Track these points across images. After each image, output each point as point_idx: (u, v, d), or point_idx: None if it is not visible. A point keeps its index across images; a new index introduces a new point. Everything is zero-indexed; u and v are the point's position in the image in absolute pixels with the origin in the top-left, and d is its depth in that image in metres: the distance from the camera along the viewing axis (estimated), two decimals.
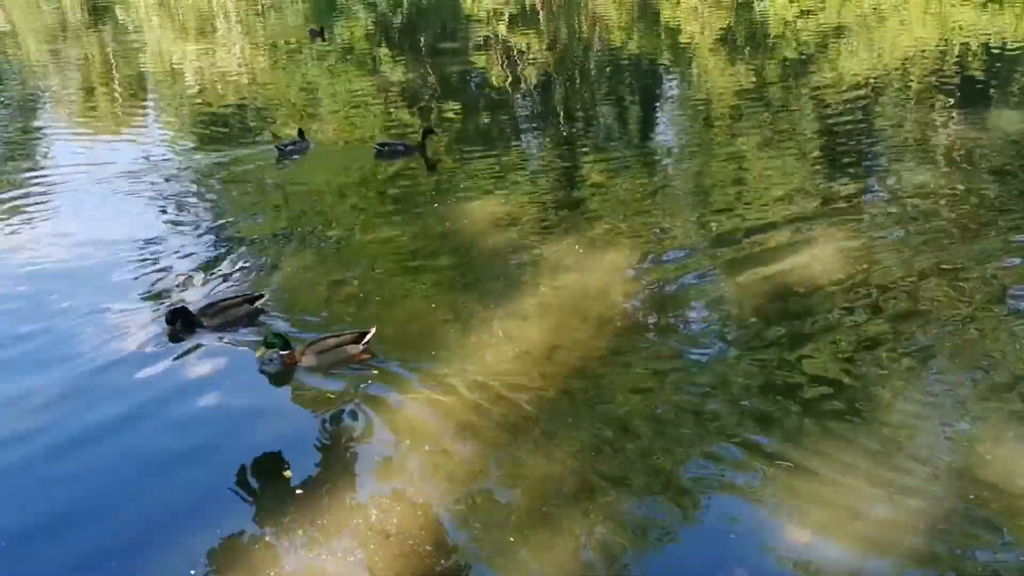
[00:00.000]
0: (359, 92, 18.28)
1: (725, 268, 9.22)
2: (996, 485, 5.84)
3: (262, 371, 7.60)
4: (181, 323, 8.19)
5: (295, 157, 13.55)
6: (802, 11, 25.38)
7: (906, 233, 9.78)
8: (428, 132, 13.44)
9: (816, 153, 12.86)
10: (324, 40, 23.21)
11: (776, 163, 12.39)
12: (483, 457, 6.38)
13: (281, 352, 7.55)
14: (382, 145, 13.53)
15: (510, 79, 19.15)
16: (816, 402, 6.85)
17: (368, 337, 7.70)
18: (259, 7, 31.25)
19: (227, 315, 8.32)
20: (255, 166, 13.37)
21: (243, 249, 10.16)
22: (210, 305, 8.42)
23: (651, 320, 8.32)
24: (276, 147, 13.77)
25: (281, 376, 7.59)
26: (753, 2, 27.80)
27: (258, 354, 7.61)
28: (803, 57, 19.70)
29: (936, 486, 5.86)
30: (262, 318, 8.45)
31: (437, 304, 8.69)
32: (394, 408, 6.99)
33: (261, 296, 8.57)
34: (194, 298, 8.86)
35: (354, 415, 6.95)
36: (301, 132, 13.83)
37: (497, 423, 6.73)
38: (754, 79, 17.84)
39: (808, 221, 10.21)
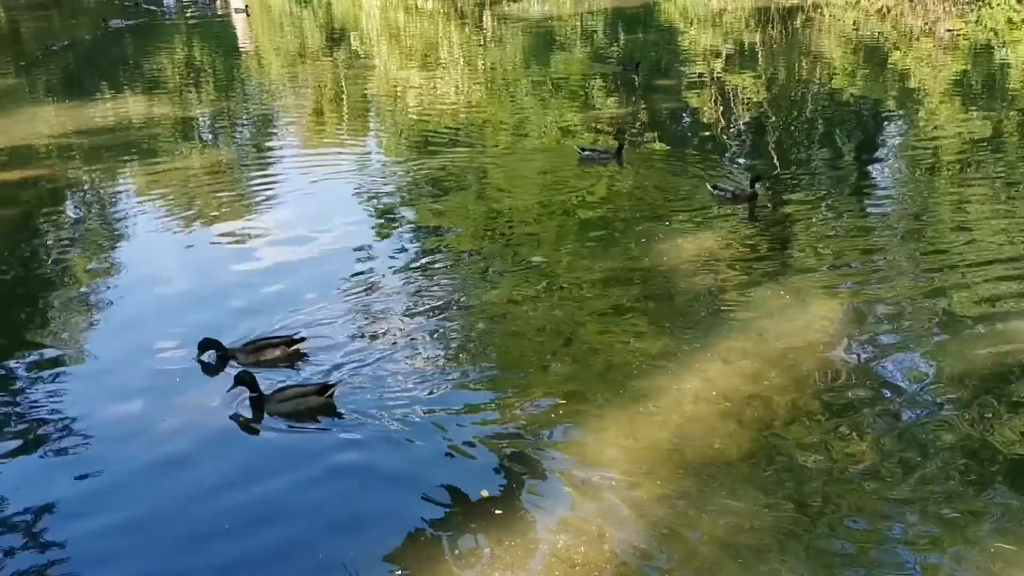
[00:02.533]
0: (568, 122, 18.52)
1: (942, 328, 8.65)
2: None
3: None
4: (213, 354, 8.30)
5: (598, 163, 14.67)
6: None
7: None
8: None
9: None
10: (637, 75, 23.20)
11: (1007, 219, 11.50)
12: (673, 497, 6.26)
13: (251, 395, 7.57)
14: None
15: (723, 117, 18.83)
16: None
17: (333, 389, 7.63)
18: (482, 39, 32.37)
19: (262, 355, 8.35)
20: (462, 183, 13.90)
21: (445, 263, 10.52)
22: (250, 343, 8.48)
23: (856, 377, 7.91)
24: (578, 148, 15.18)
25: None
26: (993, 48, 26.07)
27: (228, 390, 7.65)
28: None
29: None
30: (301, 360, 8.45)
31: (633, 339, 8.63)
32: (586, 441, 6.97)
33: (302, 339, 8.49)
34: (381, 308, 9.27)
35: (546, 442, 6.99)
36: (620, 148, 14.86)
37: (689, 464, 6.59)
38: (989, 129, 16.69)
39: None
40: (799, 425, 7.09)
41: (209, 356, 8.36)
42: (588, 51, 29.00)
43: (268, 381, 7.90)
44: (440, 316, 9.29)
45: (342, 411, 7.55)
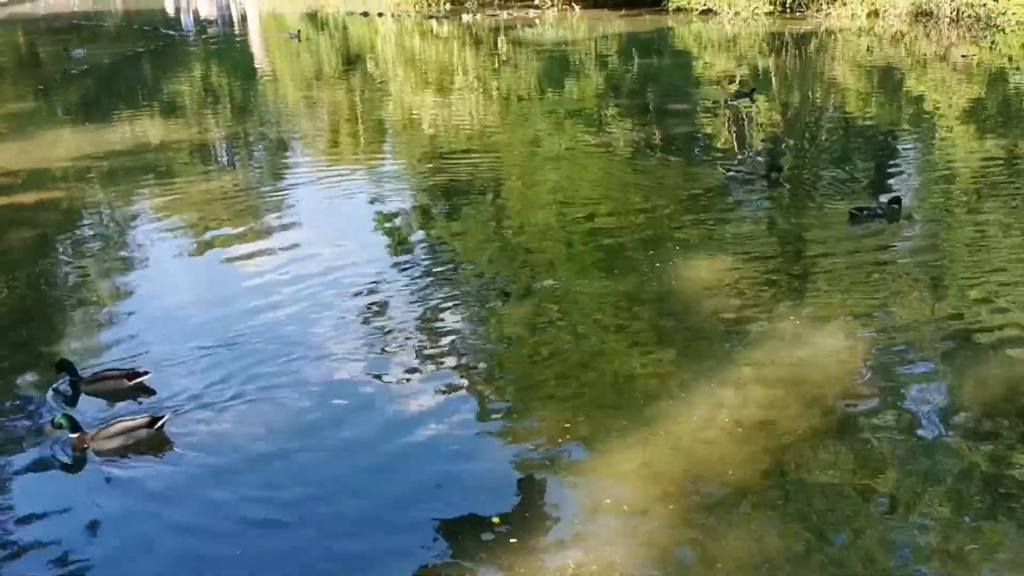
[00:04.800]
0: (581, 147, 18.58)
1: (958, 355, 8.61)
2: None
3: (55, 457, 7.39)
4: (65, 377, 8.20)
5: (743, 183, 14.83)
6: None
7: None
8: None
9: None
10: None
11: (1017, 252, 11.44)
12: (685, 524, 6.24)
13: (71, 435, 7.37)
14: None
15: (737, 142, 18.86)
16: None
17: (162, 422, 7.44)
18: (497, 63, 32.58)
19: (101, 386, 8.21)
20: (477, 206, 14.00)
21: (459, 285, 10.55)
22: (96, 373, 8.37)
23: (870, 404, 7.87)
24: (724, 170, 15.46)
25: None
26: (1008, 73, 26.06)
27: (48, 431, 7.51)
28: None
29: None
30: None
31: (646, 363, 8.63)
32: (597, 465, 6.95)
33: (145, 373, 8.29)
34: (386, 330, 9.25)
35: (558, 467, 6.98)
36: (778, 168, 14.88)
37: (701, 490, 6.57)
38: (1003, 154, 16.64)
39: None
40: (812, 452, 7.05)
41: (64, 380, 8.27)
42: (603, 76, 29.13)
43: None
44: (454, 339, 9.30)
45: (175, 442, 7.40)
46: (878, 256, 11.31)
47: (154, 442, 7.38)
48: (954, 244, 11.81)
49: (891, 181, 15.31)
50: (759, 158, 16.17)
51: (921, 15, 36.74)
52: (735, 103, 22.17)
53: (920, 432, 7.37)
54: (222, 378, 8.44)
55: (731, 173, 15.23)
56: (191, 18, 54.75)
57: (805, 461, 6.95)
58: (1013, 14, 34.16)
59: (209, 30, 47.92)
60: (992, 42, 31.72)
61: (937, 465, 6.90)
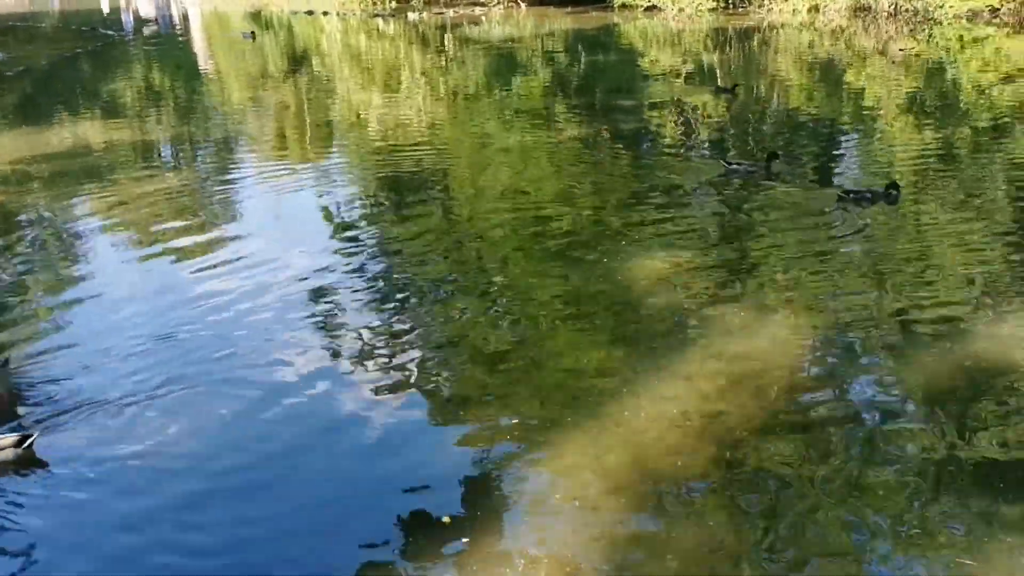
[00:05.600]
0: (529, 144, 18.61)
1: (901, 343, 8.77)
2: None
3: None
4: None
5: (741, 177, 14.91)
6: (1000, 78, 24.08)
7: None
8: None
9: (1009, 226, 12.07)
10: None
11: (963, 235, 11.70)
12: (636, 518, 6.26)
13: None
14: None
15: (684, 136, 19.03)
16: (1000, 497, 6.36)
17: (30, 441, 7.04)
18: (444, 61, 32.49)
19: None
20: (425, 203, 13.93)
21: (408, 285, 10.49)
22: None
23: (818, 393, 7.97)
24: (725, 162, 15.47)
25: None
26: (945, 66, 26.65)
27: None
28: (998, 126, 18.64)
29: None
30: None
31: (596, 359, 8.64)
32: (548, 462, 6.95)
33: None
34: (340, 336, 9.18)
35: (508, 465, 6.96)
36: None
37: (652, 484, 6.59)
38: (942, 146, 17.02)
39: (998, 298, 9.57)
40: (761, 442, 7.12)
41: None
42: (551, 73, 29.21)
43: None
44: (403, 336, 9.24)
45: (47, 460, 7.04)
46: (828, 246, 11.46)
47: (24, 459, 6.97)
48: (898, 233, 12.01)
49: (834, 174, 15.55)
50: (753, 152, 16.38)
51: (860, 10, 37.47)
52: (718, 97, 22.46)
53: (866, 419, 7.48)
54: (156, 375, 8.30)
55: (732, 166, 15.23)
56: (131, 18, 53.79)
57: (754, 451, 7.01)
58: (950, 7, 34.96)
59: (150, 30, 47.10)
60: (929, 35, 32.42)
61: (883, 451, 7.00)
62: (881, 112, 20.64)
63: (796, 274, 10.59)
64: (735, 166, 15.20)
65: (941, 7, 35.18)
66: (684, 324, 9.33)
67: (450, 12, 49.48)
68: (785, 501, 6.44)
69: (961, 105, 21.37)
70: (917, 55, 28.71)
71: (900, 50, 29.31)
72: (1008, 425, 7.22)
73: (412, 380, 8.37)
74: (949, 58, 28.26)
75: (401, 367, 8.61)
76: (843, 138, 18.75)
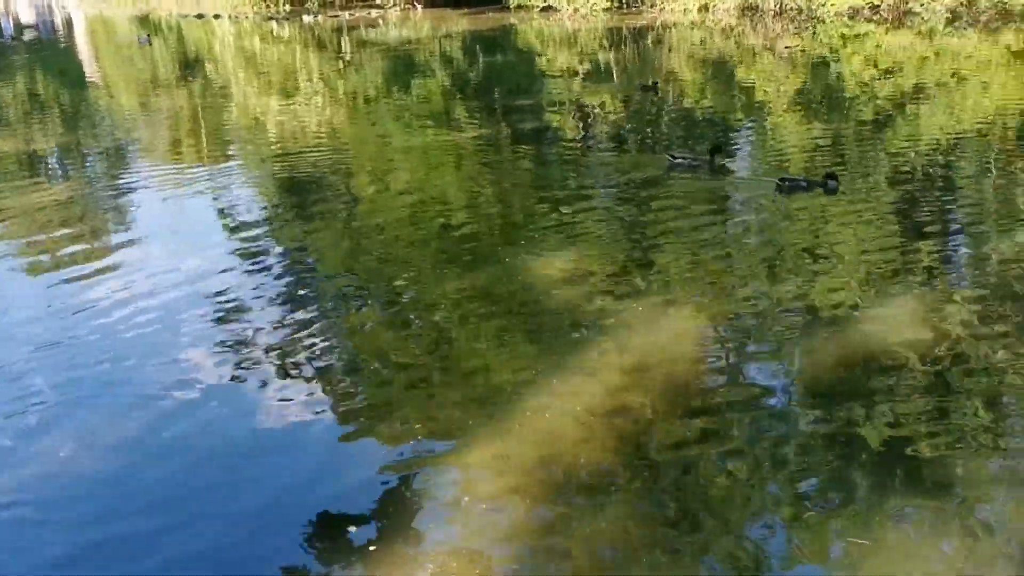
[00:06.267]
0: (431, 146, 18.60)
1: (795, 329, 9.07)
2: None
3: None
4: None
5: (685, 170, 15.09)
6: (881, 72, 25.13)
7: (988, 301, 9.49)
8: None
9: (894, 216, 12.62)
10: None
11: (852, 225, 12.18)
12: (541, 516, 6.30)
13: None
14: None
15: (582, 135, 19.29)
16: (891, 473, 6.65)
17: None
18: (341, 64, 32.16)
19: None
20: (326, 207, 13.76)
21: (308, 289, 10.36)
22: None
23: (719, 383, 8.18)
24: (668, 155, 15.64)
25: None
26: (829, 62, 27.67)
27: None
28: (881, 118, 19.46)
29: (1010, 564, 5.61)
30: None
31: (502, 359, 8.69)
32: (453, 465, 6.96)
33: None
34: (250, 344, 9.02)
35: (413, 469, 6.94)
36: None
37: (557, 481, 6.66)
38: (829, 139, 17.66)
39: (885, 286, 10.00)
40: (664, 431, 7.27)
41: None
42: (449, 74, 29.23)
43: None
44: (307, 342, 9.10)
45: None
46: (721, 243, 11.78)
47: None
48: (791, 227, 12.40)
49: (728, 168, 15.98)
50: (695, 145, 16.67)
51: (748, 9, 38.61)
52: (640, 96, 22.78)
53: (769, 404, 7.69)
54: (43, 389, 7.99)
55: (677, 160, 15.39)
56: (10, 23, 51.57)
57: (659, 442, 7.15)
58: (832, 5, 36.31)
59: (31, 36, 45.25)
60: (814, 33, 33.61)
61: (781, 432, 7.23)
62: (771, 105, 21.30)
63: (699, 266, 10.83)
64: (679, 160, 15.43)
65: (823, 5, 36.52)
66: (588, 320, 9.46)
67: (346, 15, 48.99)
68: (688, 486, 6.59)
69: (846, 98, 22.20)
70: (803, 51, 29.72)
71: (786, 47, 30.32)
72: (895, 402, 7.53)
73: (315, 387, 8.25)
74: (832, 55, 29.34)
75: (303, 374, 8.48)
76: (755, 131, 19.28)
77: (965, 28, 32.15)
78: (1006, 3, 33.32)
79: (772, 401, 7.76)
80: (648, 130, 19.79)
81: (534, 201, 14.01)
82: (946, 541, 5.89)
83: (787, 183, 13.71)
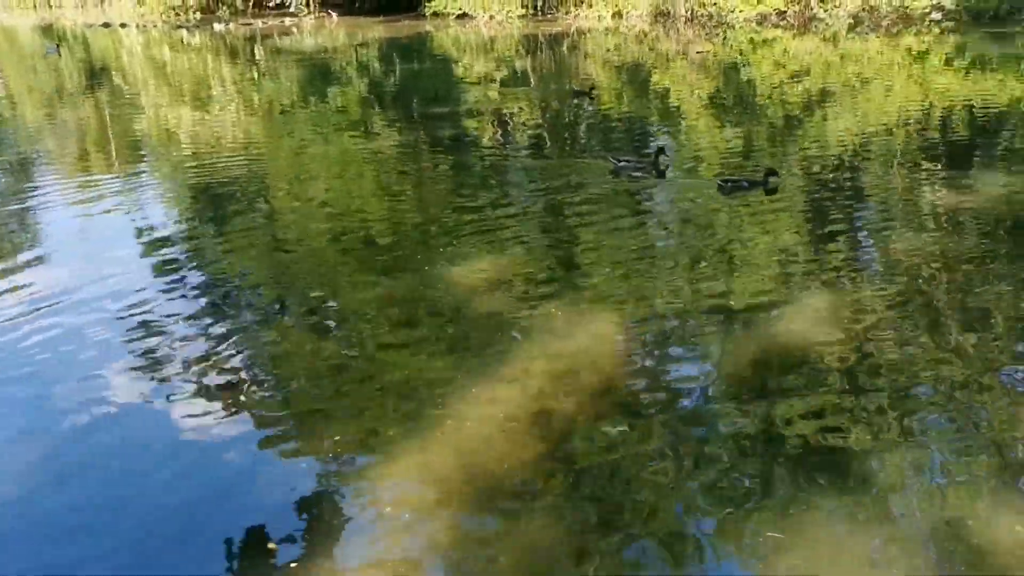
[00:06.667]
0: (349, 155, 18.43)
1: (715, 331, 9.21)
2: (981, 548, 5.81)
3: None
4: None
5: (632, 174, 15.19)
6: (789, 76, 25.81)
7: (895, 298, 9.80)
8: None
9: (804, 215, 12.95)
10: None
11: (765, 226, 12.46)
12: (466, 523, 6.27)
13: None
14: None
15: (502, 141, 19.34)
16: (808, 468, 6.80)
17: None
18: (255, 74, 31.66)
19: None
20: (242, 218, 13.49)
21: (225, 302, 10.14)
22: None
23: (639, 384, 8.25)
24: (614, 160, 15.68)
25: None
26: (739, 66, 28.30)
27: None
28: (790, 121, 19.98)
29: (923, 553, 5.79)
30: None
31: (423, 369, 8.62)
32: (375, 477, 6.88)
33: None
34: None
35: (334, 482, 6.85)
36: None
37: (480, 489, 6.63)
38: (741, 142, 18.04)
39: (799, 285, 10.25)
40: (587, 437, 7.30)
41: None
42: (366, 82, 29.02)
43: None
44: (226, 357, 8.89)
45: None
46: (639, 246, 11.90)
47: None
48: (706, 227, 12.62)
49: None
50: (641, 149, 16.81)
51: (660, 15, 39.26)
52: (575, 101, 22.79)
53: (689, 404, 7.80)
54: None
55: (621, 163, 15.50)
56: None
57: (582, 446, 7.19)
58: (740, 11, 37.18)
59: None
60: (724, 38, 34.35)
61: (706, 433, 7.31)
62: (684, 110, 21.68)
63: (622, 268, 10.93)
64: (623, 163, 15.54)
65: (732, 12, 37.37)
66: (510, 326, 9.46)
67: (259, 23, 48.28)
68: (611, 488, 6.63)
69: (756, 101, 22.72)
70: (715, 56, 30.35)
71: (698, 52, 30.94)
72: (810, 398, 7.71)
73: (233, 401, 8.06)
74: (742, 59, 30.03)
75: (220, 388, 8.27)
76: (650, 135, 19.56)
77: (867, 32, 33.25)
78: (906, 7, 34.56)
79: (692, 401, 7.88)
80: (577, 135, 19.95)
81: (456, 208, 13.98)
82: (860, 531, 6.05)
83: (729, 184, 14.03)
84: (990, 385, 7.84)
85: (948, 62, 26.44)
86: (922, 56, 28.06)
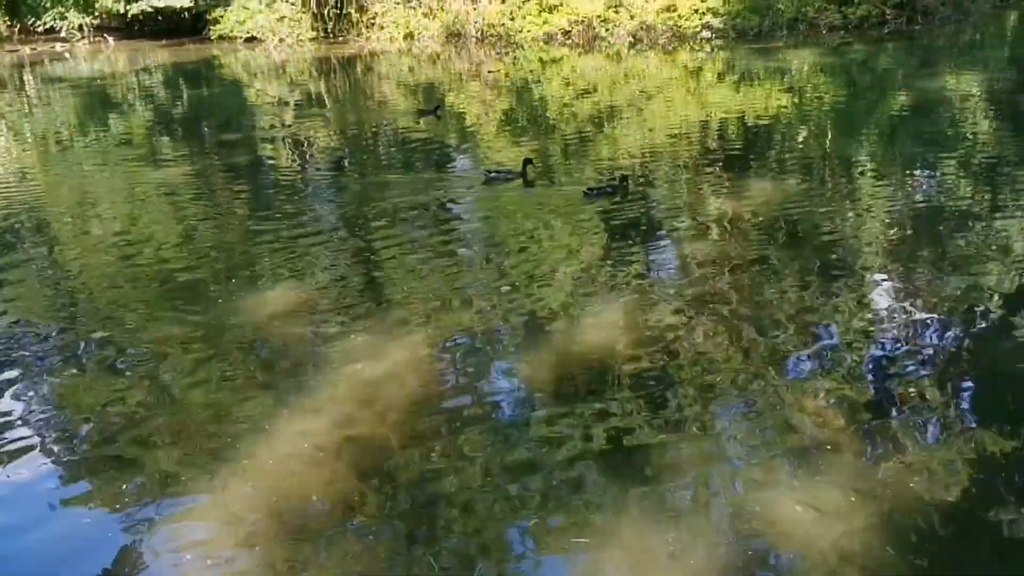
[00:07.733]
0: (138, 185, 17.51)
1: (521, 341, 9.42)
2: (772, 525, 6.22)
3: None
4: None
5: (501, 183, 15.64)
6: (579, 93, 26.79)
7: (690, 300, 10.33)
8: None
9: (596, 227, 13.44)
10: (438, 116, 22.28)
11: (562, 240, 12.84)
12: (271, 565, 6.09)
13: None
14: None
15: (298, 165, 18.98)
16: (615, 469, 7.07)
17: None
18: (25, 103, 29.56)
19: None
20: (26, 265, 12.52)
21: (6, 349, 9.39)
22: None
23: (449, 402, 8.30)
24: (485, 171, 16.16)
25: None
26: (531, 85, 29.12)
27: None
28: (582, 135, 20.72)
29: (721, 543, 6.14)
30: None
31: (226, 405, 8.31)
32: (179, 521, 6.57)
33: None
34: None
35: (139, 529, 6.48)
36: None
37: (287, 524, 6.47)
38: (537, 157, 18.52)
39: (600, 291, 10.62)
40: (397, 458, 7.27)
41: None
42: (152, 109, 27.71)
43: None
44: (11, 411, 8.22)
45: None
46: (448, 265, 11.95)
47: None
48: (510, 242, 12.84)
49: (444, 193, 16.34)
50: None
51: (452, 36, 39.79)
52: (420, 120, 22.37)
53: (499, 414, 7.93)
54: None
55: (492, 174, 15.82)
56: None
57: (393, 468, 7.14)
58: (528, 31, 38.29)
59: None
60: (515, 58, 35.24)
61: (517, 441, 7.47)
62: (480, 129, 22.06)
63: (428, 286, 10.96)
64: (494, 175, 15.95)
65: (520, 32, 38.43)
66: (314, 355, 9.27)
67: (26, 49, 45.15)
68: (425, 505, 6.63)
69: (549, 117, 23.44)
70: (507, 75, 31.08)
71: (489, 72, 31.58)
72: (616, 399, 8.03)
73: (24, 455, 7.47)
74: (533, 77, 30.91)
75: (9, 442, 7.66)
76: (448, 155, 19.76)
77: (646, 49, 35.05)
78: (679, 27, 36.72)
79: (502, 413, 8.01)
80: (378, 153, 19.81)
81: (254, 235, 13.57)
82: (666, 526, 6.34)
83: (594, 191, 14.75)
84: (778, 375, 8.42)
85: (720, 77, 28.28)
86: (697, 72, 29.88)
